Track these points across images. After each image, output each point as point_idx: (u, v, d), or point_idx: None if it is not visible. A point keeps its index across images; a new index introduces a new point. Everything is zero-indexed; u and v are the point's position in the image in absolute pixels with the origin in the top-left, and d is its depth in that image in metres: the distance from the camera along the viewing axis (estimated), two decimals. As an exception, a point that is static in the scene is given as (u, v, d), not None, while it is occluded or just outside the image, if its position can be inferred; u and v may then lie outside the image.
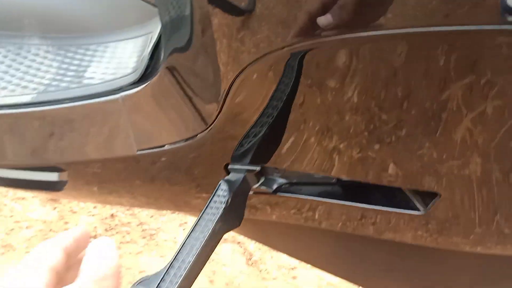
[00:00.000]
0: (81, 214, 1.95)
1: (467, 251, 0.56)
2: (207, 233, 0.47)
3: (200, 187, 0.66)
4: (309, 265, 1.80)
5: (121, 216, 1.96)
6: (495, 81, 0.37)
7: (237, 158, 0.55)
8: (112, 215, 1.94)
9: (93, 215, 1.94)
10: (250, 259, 1.85)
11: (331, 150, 0.49)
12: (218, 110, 0.48)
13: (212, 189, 0.65)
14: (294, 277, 1.79)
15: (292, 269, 1.81)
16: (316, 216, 0.62)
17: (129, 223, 1.92)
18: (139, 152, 0.61)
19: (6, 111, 0.66)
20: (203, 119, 0.51)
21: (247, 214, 0.55)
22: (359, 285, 0.95)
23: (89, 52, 0.70)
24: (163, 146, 0.59)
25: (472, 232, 0.52)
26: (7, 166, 0.76)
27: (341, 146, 0.48)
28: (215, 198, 0.50)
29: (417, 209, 0.52)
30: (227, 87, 0.45)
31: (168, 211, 1.98)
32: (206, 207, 0.49)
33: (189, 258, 0.45)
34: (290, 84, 0.44)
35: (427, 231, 0.55)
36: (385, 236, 0.60)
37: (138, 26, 0.70)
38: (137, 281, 0.45)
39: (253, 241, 1.89)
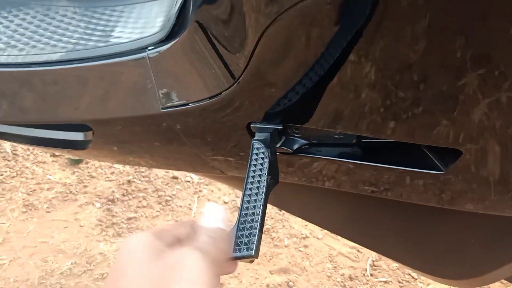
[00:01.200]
0: (99, 179, 1.97)
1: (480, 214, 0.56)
2: (263, 186, 0.48)
3: (217, 149, 0.65)
4: (320, 235, 1.81)
5: (137, 182, 1.98)
6: None
7: (267, 116, 0.55)
8: (129, 181, 1.96)
9: (110, 181, 1.96)
10: (262, 227, 1.85)
11: (360, 107, 0.48)
12: (246, 64, 0.47)
13: (232, 151, 0.65)
14: (305, 246, 1.80)
15: (304, 238, 1.82)
16: (334, 177, 0.62)
17: (145, 189, 1.94)
18: (163, 110, 0.61)
19: (36, 68, 0.66)
20: (230, 73, 0.50)
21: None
22: (370, 248, 0.95)
23: (116, 13, 0.70)
24: (187, 104, 0.59)
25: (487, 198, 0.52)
26: (35, 123, 0.76)
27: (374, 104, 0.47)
28: (254, 156, 0.51)
29: (439, 169, 0.52)
30: (256, 39, 0.44)
31: (183, 180, 1.99)
32: (249, 167, 0.50)
33: (257, 210, 0.46)
34: (319, 39, 0.43)
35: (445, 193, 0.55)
36: (404, 199, 0.60)
37: (164, -14, 0.68)
38: None
39: (265, 210, 1.89)
